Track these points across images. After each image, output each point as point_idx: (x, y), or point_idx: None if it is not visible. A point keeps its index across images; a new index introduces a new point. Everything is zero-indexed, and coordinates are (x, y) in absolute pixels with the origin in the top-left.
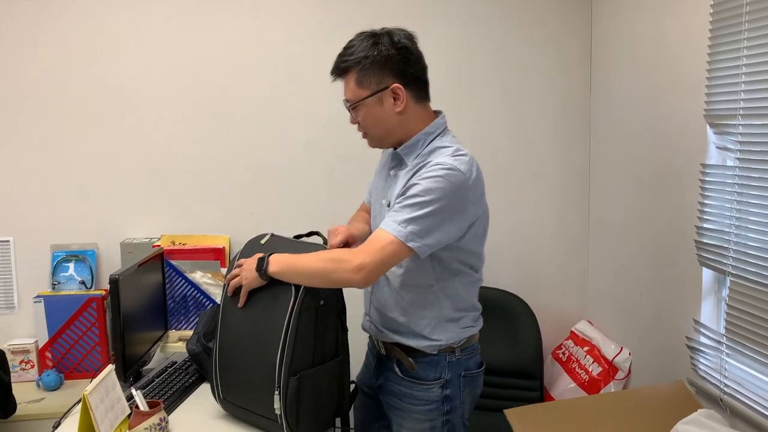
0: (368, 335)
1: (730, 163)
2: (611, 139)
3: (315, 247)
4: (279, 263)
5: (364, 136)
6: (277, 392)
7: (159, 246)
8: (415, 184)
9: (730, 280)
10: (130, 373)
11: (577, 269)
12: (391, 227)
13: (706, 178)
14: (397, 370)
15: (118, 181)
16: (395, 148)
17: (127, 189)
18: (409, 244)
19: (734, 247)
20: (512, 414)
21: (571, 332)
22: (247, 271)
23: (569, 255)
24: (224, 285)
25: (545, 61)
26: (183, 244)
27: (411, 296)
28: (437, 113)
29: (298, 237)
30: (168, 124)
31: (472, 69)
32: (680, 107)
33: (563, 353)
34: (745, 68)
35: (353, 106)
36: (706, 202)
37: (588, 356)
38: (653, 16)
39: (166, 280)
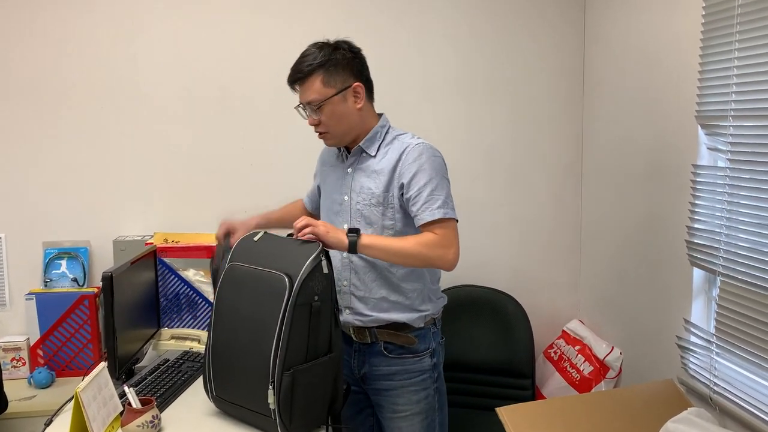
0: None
1: (721, 164)
2: (604, 140)
3: (308, 244)
4: (371, 238)
5: (322, 135)
6: (271, 387)
7: (152, 243)
8: (420, 171)
9: (720, 280)
10: (122, 370)
11: (569, 269)
12: (441, 213)
13: (697, 179)
14: (384, 352)
15: (110, 178)
16: (347, 147)
17: (120, 186)
18: (450, 216)
19: (725, 248)
20: (504, 412)
21: (563, 331)
22: (328, 229)
23: (562, 255)
24: (218, 281)
25: (538, 63)
26: (176, 242)
27: (402, 271)
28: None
29: (290, 235)
30: (162, 121)
31: (464, 69)
32: (672, 108)
33: (555, 352)
34: (736, 70)
35: (319, 105)
36: (697, 202)
37: (579, 355)
38: (646, 18)
39: (159, 278)
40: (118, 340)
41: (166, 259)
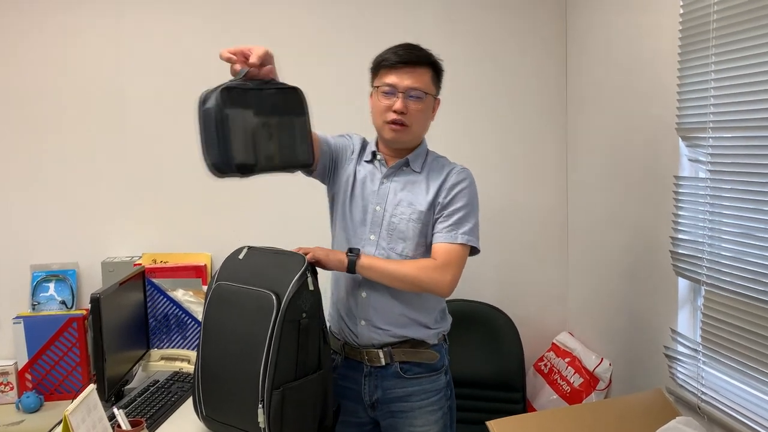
0: (339, 361)
1: (702, 174)
2: (588, 153)
3: (293, 255)
4: (370, 260)
5: (401, 127)
6: (260, 406)
7: (140, 264)
8: (460, 194)
9: (704, 290)
10: (111, 392)
11: (557, 282)
12: (464, 239)
13: (680, 190)
14: (400, 372)
15: (98, 199)
16: (385, 157)
17: (108, 207)
18: (473, 245)
19: (708, 257)
20: (495, 425)
21: (553, 344)
22: (327, 252)
23: (549, 268)
24: (205, 301)
25: (521, 79)
26: (164, 262)
27: None
28: None
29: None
30: (148, 141)
31: (447, 82)
32: (654, 120)
33: (545, 365)
34: (713, 82)
35: (421, 96)
36: (679, 213)
37: (569, 367)
38: (626, 31)
39: (148, 299)
40: (107, 362)
41: (154, 280)
